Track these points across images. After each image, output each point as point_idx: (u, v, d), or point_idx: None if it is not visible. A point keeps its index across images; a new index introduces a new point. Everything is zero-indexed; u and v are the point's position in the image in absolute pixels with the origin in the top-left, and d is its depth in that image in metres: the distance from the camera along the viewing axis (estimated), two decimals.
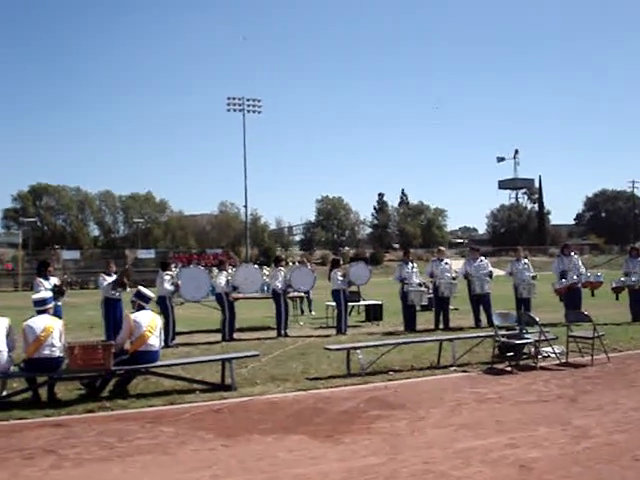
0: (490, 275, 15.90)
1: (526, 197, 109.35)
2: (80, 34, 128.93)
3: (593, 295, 16.44)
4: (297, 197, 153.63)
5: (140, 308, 8.99)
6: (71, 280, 14.40)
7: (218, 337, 14.38)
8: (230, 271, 15.11)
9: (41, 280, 12.33)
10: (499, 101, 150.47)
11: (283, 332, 14.75)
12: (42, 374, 8.26)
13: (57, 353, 8.18)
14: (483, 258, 16.53)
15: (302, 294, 18.22)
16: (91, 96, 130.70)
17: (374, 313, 17.90)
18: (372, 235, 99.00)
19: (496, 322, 11.09)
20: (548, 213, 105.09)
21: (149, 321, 8.75)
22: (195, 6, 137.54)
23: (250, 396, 8.40)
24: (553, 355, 10.70)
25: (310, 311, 19.40)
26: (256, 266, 16.91)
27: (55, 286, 12.29)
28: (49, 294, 9.29)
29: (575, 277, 15.97)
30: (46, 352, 8.08)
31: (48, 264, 13.01)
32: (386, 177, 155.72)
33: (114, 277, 13.13)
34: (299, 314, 18.82)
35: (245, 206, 74.65)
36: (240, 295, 15.57)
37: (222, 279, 14.52)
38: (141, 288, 9.34)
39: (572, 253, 16.84)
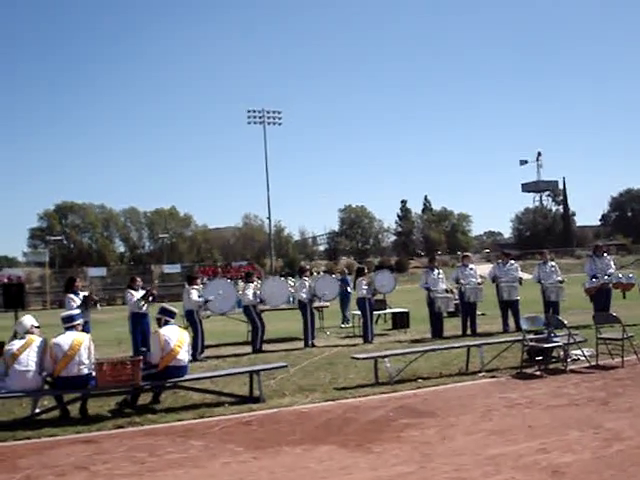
0: (520, 281, 15.82)
1: (550, 199, 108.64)
2: (99, 49, 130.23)
3: (625, 297, 16.27)
4: (320, 207, 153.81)
5: (166, 324, 9.02)
6: (98, 298, 14.40)
7: (246, 349, 14.43)
8: (256, 283, 15.12)
9: (72, 296, 12.48)
10: (520, 104, 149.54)
11: (310, 342, 14.75)
12: (71, 392, 8.33)
13: (85, 370, 8.23)
14: (513, 262, 16.44)
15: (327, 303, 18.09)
16: (111, 112, 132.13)
17: (401, 321, 17.84)
18: (396, 243, 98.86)
19: (524, 326, 11.01)
20: (573, 215, 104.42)
21: (177, 336, 8.80)
22: (213, 19, 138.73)
23: (279, 407, 8.41)
24: (582, 358, 10.59)
25: (345, 321, 19.43)
26: (282, 278, 16.93)
27: (85, 297, 12.48)
28: (77, 311, 9.38)
29: (606, 277, 15.85)
30: (74, 370, 8.13)
31: (75, 280, 13.16)
32: (408, 184, 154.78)
33: (141, 292, 13.19)
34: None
35: (269, 218, 75.04)
36: (267, 307, 15.62)
37: (249, 291, 14.55)
38: (164, 304, 9.40)
39: (604, 254, 16.74)
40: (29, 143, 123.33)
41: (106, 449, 6.84)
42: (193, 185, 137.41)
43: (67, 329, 8.52)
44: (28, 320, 8.74)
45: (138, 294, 13.07)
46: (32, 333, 8.53)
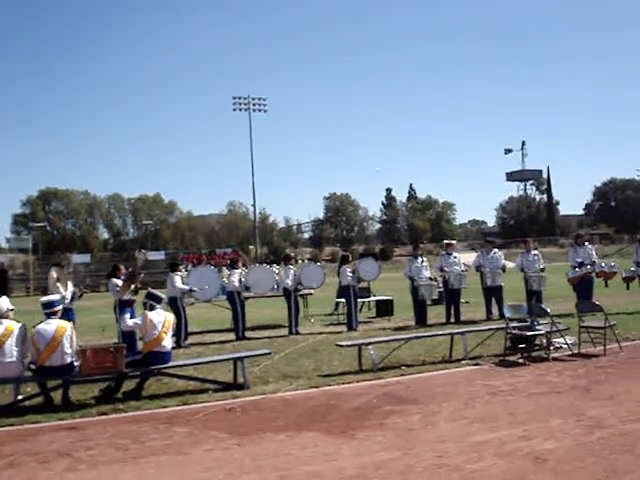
0: (503, 269, 15.88)
1: (534, 188, 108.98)
2: (85, 36, 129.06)
3: (607, 285, 16.42)
4: (305, 195, 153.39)
5: (152, 309, 8.98)
6: (82, 289, 14.34)
7: (229, 336, 14.41)
8: (241, 270, 15.08)
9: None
10: (505, 93, 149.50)
11: (294, 330, 14.76)
12: (55, 378, 8.29)
13: (68, 359, 8.18)
14: (497, 250, 16.51)
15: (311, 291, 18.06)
16: (97, 99, 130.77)
17: (385, 308, 17.88)
18: (381, 230, 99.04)
19: (507, 314, 11.07)
20: (557, 204, 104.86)
21: (163, 321, 8.78)
22: (198, 6, 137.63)
23: (262, 394, 8.42)
24: (565, 346, 10.66)
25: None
26: (268, 266, 16.91)
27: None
28: (57, 296, 9.31)
29: (589, 266, 15.97)
30: (57, 360, 8.07)
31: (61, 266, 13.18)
32: (393, 172, 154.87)
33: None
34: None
35: (253, 205, 74.81)
36: (251, 294, 15.60)
37: (235, 278, 14.53)
38: (151, 289, 9.36)
39: (586, 243, 16.88)
40: (12, 129, 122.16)
41: (89, 436, 6.82)
42: (177, 172, 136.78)
43: (47, 315, 8.44)
44: (4, 303, 8.55)
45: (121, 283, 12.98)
46: (7, 317, 8.41)
